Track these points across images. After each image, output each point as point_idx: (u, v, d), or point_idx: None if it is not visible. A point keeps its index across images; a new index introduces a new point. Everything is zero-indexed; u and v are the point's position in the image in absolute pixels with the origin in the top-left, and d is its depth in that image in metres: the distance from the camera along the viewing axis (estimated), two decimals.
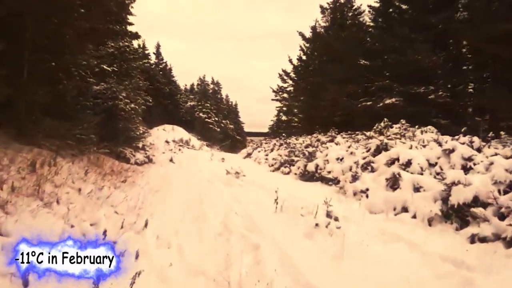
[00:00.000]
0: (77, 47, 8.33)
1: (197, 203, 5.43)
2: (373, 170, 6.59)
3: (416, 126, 9.62)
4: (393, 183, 5.46)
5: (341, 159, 7.76)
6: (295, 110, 28.66)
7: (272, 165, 11.71)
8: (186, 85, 43.32)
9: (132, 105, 9.63)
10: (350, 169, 7.29)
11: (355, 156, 7.50)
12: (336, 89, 17.48)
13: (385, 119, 8.74)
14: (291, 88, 28.49)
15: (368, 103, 15.38)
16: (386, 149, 6.94)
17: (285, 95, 29.09)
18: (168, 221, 4.27)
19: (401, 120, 9.17)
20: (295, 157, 10.77)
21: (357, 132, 12.09)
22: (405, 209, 5.15)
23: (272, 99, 29.53)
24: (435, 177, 5.63)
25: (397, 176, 5.36)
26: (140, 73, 15.12)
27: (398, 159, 5.94)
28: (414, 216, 4.90)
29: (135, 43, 14.58)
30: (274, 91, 29.07)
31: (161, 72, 33.77)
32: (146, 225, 3.76)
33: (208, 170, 11.10)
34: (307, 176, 8.75)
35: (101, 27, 8.79)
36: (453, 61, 15.07)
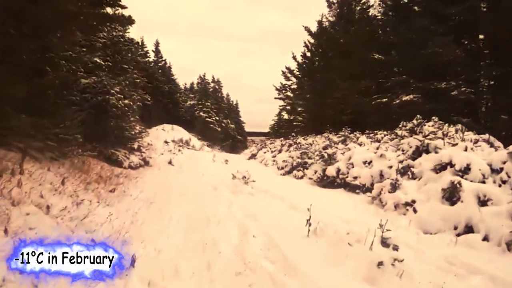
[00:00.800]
0: (62, 33, 7.20)
1: (202, 220, 4.29)
2: (414, 177, 5.45)
3: (446, 125, 8.49)
4: (451, 194, 4.33)
5: (369, 163, 6.63)
6: (299, 109, 27.60)
7: (282, 168, 10.58)
8: (185, 83, 42.13)
9: (126, 101, 8.47)
10: (381, 175, 6.17)
11: (386, 159, 6.38)
12: (346, 86, 16.33)
13: (418, 115, 7.62)
14: (295, 86, 27.46)
15: (383, 100, 14.22)
16: (428, 151, 5.81)
17: (289, 93, 28.06)
18: (165, 251, 3.13)
19: (433, 118, 8.05)
20: (308, 159, 9.64)
21: (375, 131, 10.95)
22: (469, 229, 4.04)
23: (275, 98, 28.51)
24: (500, 185, 4.53)
25: (457, 185, 4.22)
26: (136, 66, 13.96)
27: (451, 164, 4.81)
28: (486, 238, 3.79)
29: (132, 34, 13.41)
30: (277, 89, 28.03)
31: (160, 70, 32.58)
32: (132, 262, 2.63)
33: (211, 174, 9.98)
34: (326, 182, 7.63)
35: (90, 12, 7.66)
36: (474, 55, 13.92)
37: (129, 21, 7.51)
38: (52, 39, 6.84)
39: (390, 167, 5.87)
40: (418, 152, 5.86)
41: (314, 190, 7.15)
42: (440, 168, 4.99)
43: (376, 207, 5.26)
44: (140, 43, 26.09)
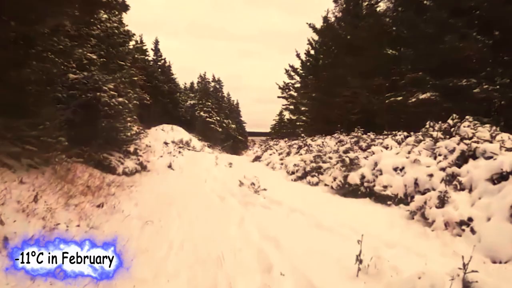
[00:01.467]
0: (46, 20, 6.30)
1: (210, 248, 3.38)
2: (461, 188, 4.56)
3: (480, 125, 7.59)
4: None
5: (401, 169, 5.73)
6: (303, 108, 26.75)
7: (293, 173, 9.67)
8: (185, 83, 41.29)
9: (120, 99, 7.56)
10: (416, 184, 5.28)
11: (422, 166, 5.47)
12: (357, 84, 15.41)
13: (454, 114, 6.73)
14: (299, 85, 26.60)
15: (398, 98, 13.32)
16: (475, 156, 4.91)
17: (292, 92, 27.19)
18: None
19: (467, 117, 7.16)
20: (323, 163, 8.74)
21: (394, 132, 10.05)
22: None
23: (279, 96, 27.66)
24: None
25: None
26: (133, 62, 13.03)
27: None
28: None
29: (129, 29, 12.48)
30: (280, 88, 27.16)
31: (159, 70, 31.65)
32: None
33: (215, 179, 9.07)
34: (347, 190, 6.72)
35: None
36: (493, 51, 13.01)
37: (123, 6, 6.61)
38: (34, 26, 5.93)
39: (430, 175, 4.96)
40: (463, 158, 4.97)
41: (335, 201, 6.24)
42: (499, 178, 4.09)
43: (419, 224, 4.36)
44: (139, 41, 25.17)
